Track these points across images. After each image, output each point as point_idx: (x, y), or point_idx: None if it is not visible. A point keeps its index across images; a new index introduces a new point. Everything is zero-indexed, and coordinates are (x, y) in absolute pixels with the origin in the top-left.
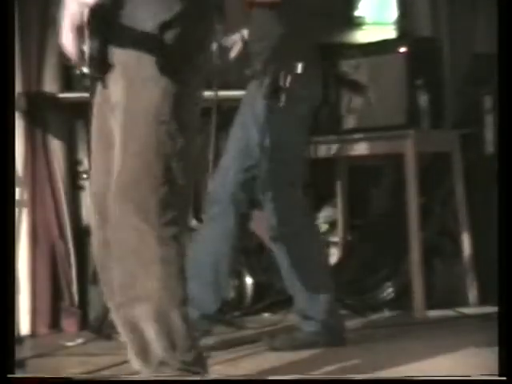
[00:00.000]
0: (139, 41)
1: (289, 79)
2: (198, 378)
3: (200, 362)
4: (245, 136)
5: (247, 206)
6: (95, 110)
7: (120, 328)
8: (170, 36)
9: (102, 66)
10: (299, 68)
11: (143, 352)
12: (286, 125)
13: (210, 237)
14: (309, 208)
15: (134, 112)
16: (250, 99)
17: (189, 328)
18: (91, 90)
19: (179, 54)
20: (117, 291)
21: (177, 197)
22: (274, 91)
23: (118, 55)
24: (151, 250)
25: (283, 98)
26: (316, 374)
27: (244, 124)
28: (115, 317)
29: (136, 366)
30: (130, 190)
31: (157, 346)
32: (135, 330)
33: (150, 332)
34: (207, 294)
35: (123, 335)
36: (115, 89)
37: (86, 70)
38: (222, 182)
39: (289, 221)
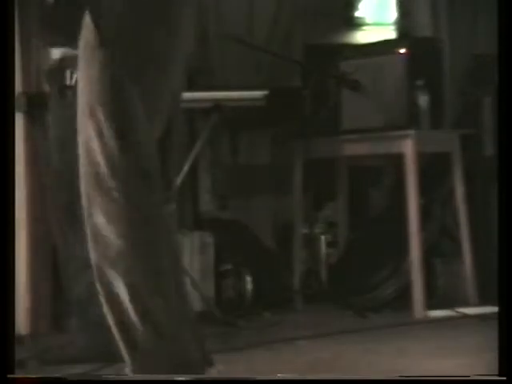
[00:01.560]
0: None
1: (74, 77)
2: (198, 377)
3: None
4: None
5: None
6: None
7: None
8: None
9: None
10: None
11: None
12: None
13: None
14: None
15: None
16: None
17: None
18: None
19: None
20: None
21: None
22: (62, 89)
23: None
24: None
25: (69, 95)
26: (315, 374)
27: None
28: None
29: None
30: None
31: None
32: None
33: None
34: None
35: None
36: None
37: None
38: None
39: None
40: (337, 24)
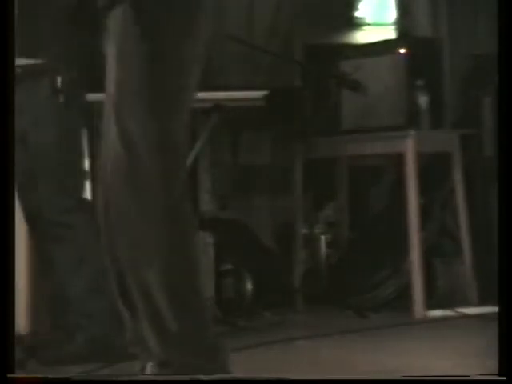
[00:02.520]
0: None
1: (64, 81)
2: (197, 378)
3: None
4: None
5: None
6: None
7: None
8: None
9: None
10: (74, 73)
11: None
12: (67, 124)
13: None
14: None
15: None
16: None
17: None
18: None
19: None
20: None
21: None
22: (54, 91)
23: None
24: None
25: (62, 98)
26: (315, 374)
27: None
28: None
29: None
30: None
31: None
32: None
33: None
34: None
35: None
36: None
37: None
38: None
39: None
40: (337, 24)
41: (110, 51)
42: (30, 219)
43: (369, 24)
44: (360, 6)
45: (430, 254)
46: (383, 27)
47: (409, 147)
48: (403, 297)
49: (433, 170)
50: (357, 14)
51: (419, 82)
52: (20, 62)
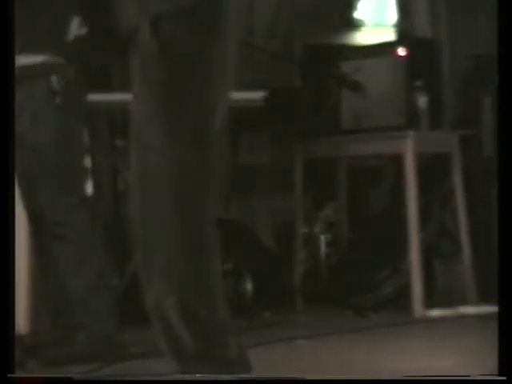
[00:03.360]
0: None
1: (61, 83)
2: (197, 377)
3: None
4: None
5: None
6: None
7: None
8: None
9: None
10: (71, 74)
11: None
12: (66, 123)
13: None
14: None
15: None
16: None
17: None
18: None
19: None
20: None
21: None
22: (51, 92)
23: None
24: None
25: (58, 99)
26: (315, 374)
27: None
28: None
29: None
30: None
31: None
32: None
33: None
34: None
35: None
36: None
37: None
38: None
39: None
40: (337, 24)
41: (135, 87)
42: (32, 219)
43: (368, 25)
44: (360, 6)
45: (429, 254)
46: (383, 28)
47: (408, 148)
48: (403, 296)
49: (432, 170)
50: (356, 14)
51: (418, 83)
52: (19, 61)
